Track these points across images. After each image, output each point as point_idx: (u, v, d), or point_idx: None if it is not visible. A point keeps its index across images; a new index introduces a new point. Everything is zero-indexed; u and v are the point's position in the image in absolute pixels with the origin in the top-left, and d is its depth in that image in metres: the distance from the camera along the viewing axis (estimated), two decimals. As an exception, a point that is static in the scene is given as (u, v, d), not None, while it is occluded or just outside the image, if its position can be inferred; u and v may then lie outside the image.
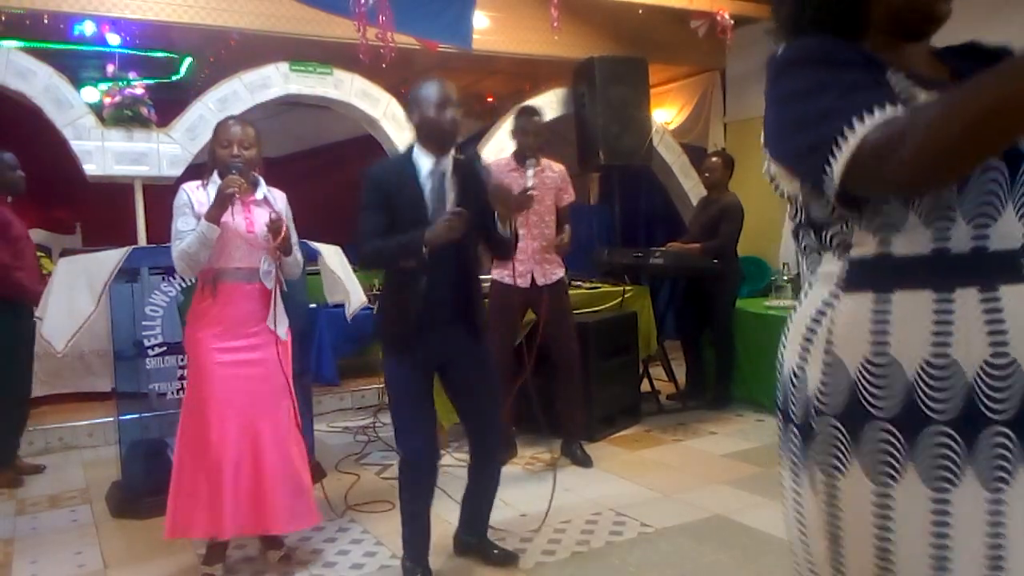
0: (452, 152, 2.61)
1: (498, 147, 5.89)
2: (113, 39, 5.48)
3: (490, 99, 8.17)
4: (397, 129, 5.75)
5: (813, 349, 1.11)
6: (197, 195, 2.71)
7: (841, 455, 1.07)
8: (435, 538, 2.71)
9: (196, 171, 3.89)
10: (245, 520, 2.69)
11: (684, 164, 6.92)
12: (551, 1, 5.03)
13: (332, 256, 3.59)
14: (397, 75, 5.54)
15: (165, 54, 6.30)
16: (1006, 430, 1.01)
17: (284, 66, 5.44)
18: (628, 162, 6.26)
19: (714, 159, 5.20)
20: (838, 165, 0.97)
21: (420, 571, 2.64)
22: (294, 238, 2.83)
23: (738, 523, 3.10)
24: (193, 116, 5.21)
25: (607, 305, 4.92)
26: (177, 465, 2.75)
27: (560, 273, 3.99)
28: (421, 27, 5.00)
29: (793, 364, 1.15)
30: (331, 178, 7.27)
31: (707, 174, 5.18)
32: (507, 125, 5.06)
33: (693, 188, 6.73)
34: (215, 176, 2.71)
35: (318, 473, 3.57)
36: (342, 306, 3.70)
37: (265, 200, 2.79)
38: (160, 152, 5.09)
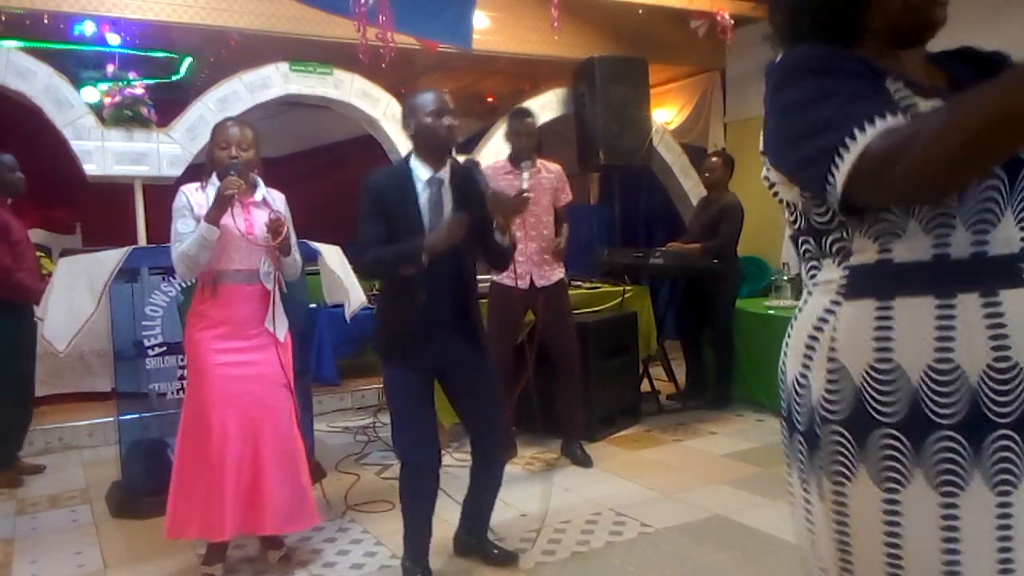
0: (450, 160, 2.61)
1: (497, 148, 5.87)
2: (113, 39, 5.47)
3: (490, 99, 8.17)
4: (397, 129, 5.72)
5: (816, 357, 1.11)
6: (196, 197, 2.70)
7: (848, 462, 1.07)
8: (435, 538, 2.71)
9: (196, 171, 3.89)
10: (245, 520, 2.70)
11: (684, 164, 6.92)
12: (551, 1, 5.02)
13: (332, 256, 3.59)
14: (397, 75, 5.54)
15: (165, 54, 6.28)
16: (1011, 433, 1.01)
17: (284, 66, 5.44)
18: (628, 162, 6.26)
19: (714, 159, 5.21)
20: (841, 175, 0.98)
21: (420, 571, 2.64)
22: (293, 239, 2.83)
23: (738, 523, 3.10)
24: (193, 116, 5.21)
25: (607, 305, 4.92)
26: (177, 465, 2.75)
27: (559, 273, 3.98)
28: (421, 27, 5.00)
29: (796, 372, 1.15)
30: (331, 178, 7.26)
31: (707, 174, 5.18)
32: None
33: (693, 188, 6.72)
34: (214, 178, 2.70)
35: (318, 473, 3.57)
36: (342, 306, 3.71)
37: (264, 201, 2.79)
38: (160, 152, 5.09)
